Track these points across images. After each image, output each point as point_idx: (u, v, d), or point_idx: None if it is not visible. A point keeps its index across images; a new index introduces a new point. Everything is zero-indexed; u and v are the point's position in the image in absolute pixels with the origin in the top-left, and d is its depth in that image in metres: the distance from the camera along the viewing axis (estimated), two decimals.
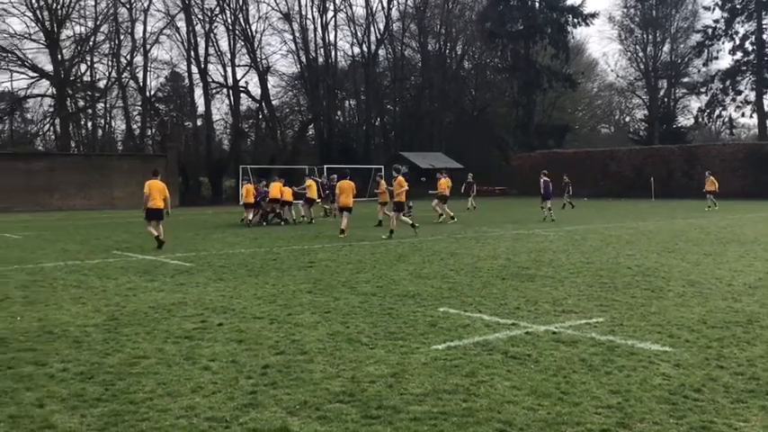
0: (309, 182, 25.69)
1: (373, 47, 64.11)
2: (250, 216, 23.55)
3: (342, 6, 63.71)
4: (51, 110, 57.03)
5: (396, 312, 7.90)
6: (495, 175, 58.17)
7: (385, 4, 63.61)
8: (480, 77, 69.45)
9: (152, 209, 15.96)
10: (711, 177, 31.74)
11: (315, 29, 61.97)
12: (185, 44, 58.51)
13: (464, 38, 68.10)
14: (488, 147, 66.81)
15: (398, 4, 64.68)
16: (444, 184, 24.99)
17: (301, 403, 4.76)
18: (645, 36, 68.07)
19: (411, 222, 18.76)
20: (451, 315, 7.72)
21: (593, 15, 62.38)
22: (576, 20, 62.28)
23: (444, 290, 9.48)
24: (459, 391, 4.99)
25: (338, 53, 64.99)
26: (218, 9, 58.16)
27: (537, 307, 8.14)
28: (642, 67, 69.26)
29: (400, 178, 18.86)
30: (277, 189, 24.00)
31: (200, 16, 58.14)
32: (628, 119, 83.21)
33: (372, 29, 63.87)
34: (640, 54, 69.24)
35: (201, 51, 58.36)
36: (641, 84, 70.84)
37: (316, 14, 62.89)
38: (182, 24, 58.21)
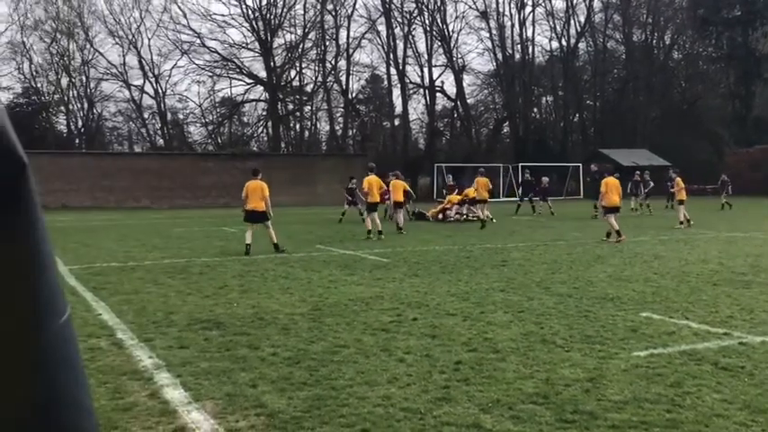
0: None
1: (573, 40, 62.31)
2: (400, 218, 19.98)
3: (540, 1, 62.41)
4: (264, 113, 61.70)
5: (593, 315, 7.62)
6: (707, 172, 54.00)
7: None
8: (691, 68, 64.76)
9: (249, 211, 14.79)
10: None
11: (512, 25, 61.49)
12: (385, 47, 60.69)
13: (673, 26, 63.92)
14: (699, 142, 62.16)
15: None
16: (482, 184, 22.48)
17: (494, 401, 4.75)
18: None
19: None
20: (655, 321, 7.30)
21: None
22: None
23: (647, 294, 8.99)
24: (663, 401, 4.71)
25: (536, 49, 63.93)
26: (416, 11, 59.60)
27: (753, 316, 7.45)
28: None
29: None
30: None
31: (399, 19, 59.98)
32: None
33: (572, 22, 62.11)
34: None
35: (400, 53, 60.19)
36: None
37: (513, 11, 62.29)
38: (382, 28, 60.44)
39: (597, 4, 62.65)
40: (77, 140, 57.16)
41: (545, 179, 31.92)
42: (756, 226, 20.82)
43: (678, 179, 23.11)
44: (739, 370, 5.40)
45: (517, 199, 32.67)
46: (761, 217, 25.17)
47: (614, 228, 16.30)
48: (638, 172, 32.38)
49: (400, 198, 19.53)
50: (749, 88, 58.01)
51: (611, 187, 17.09)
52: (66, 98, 56.40)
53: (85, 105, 57.59)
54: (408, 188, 19.89)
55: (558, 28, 62.44)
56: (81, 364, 0.76)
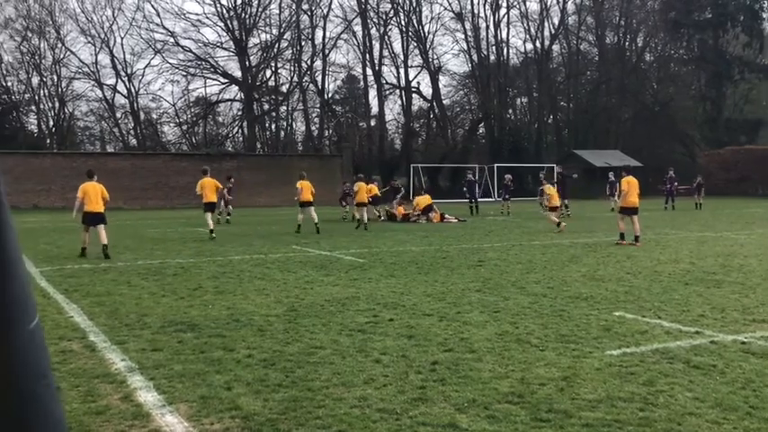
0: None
1: (547, 42, 62.85)
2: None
3: (515, 3, 62.85)
4: (240, 113, 61.33)
5: (567, 314, 7.68)
6: (679, 173, 54.80)
7: None
8: (663, 70, 65.60)
9: (89, 213, 14.38)
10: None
11: (487, 27, 61.80)
12: (361, 47, 60.69)
13: (645, 29, 64.74)
14: (671, 143, 62.97)
15: None
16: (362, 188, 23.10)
17: (470, 401, 4.77)
18: None
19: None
20: (628, 320, 7.38)
21: None
22: None
23: (620, 293, 9.08)
24: (636, 399, 4.77)
25: (510, 50, 64.40)
26: (392, 12, 59.70)
27: (724, 315, 7.57)
28: None
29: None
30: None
31: (375, 20, 60.02)
32: None
33: (546, 24, 62.67)
34: None
35: (376, 54, 60.26)
36: None
37: (488, 12, 62.66)
38: (358, 29, 60.46)
39: (571, 7, 63.39)
40: (48, 140, 56.32)
41: (507, 176, 31.89)
42: (727, 226, 21.15)
43: (548, 186, 21.91)
44: (711, 368, 5.47)
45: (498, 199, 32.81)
46: (731, 217, 25.58)
47: (636, 231, 15.48)
48: (611, 173, 32.59)
49: (308, 198, 20.89)
50: (720, 90, 58.90)
51: (632, 187, 15.94)
52: (36, 97, 55.60)
53: (57, 105, 56.77)
54: (313, 190, 21.33)
55: (533, 30, 63.01)
56: (51, 371, 0.75)
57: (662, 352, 6.00)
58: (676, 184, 33.18)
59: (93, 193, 14.48)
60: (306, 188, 21.01)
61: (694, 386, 5.03)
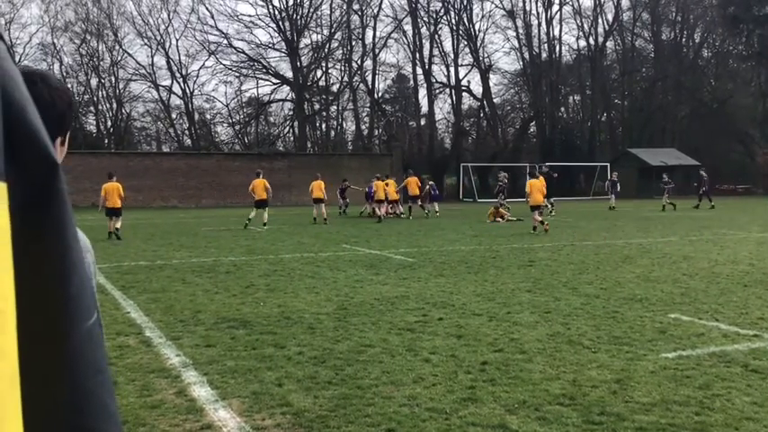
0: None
1: (600, 39, 61.74)
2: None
3: None
4: (291, 113, 61.99)
5: (621, 316, 7.55)
6: (737, 172, 53.29)
7: None
8: (721, 67, 63.75)
9: (110, 208, 18.54)
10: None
11: (539, 24, 61.13)
12: (411, 47, 60.68)
13: (703, 24, 63.04)
14: (729, 142, 61.19)
15: None
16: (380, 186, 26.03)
17: (520, 402, 4.73)
18: None
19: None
20: (684, 322, 7.21)
21: None
22: None
23: (676, 295, 8.88)
24: (691, 403, 4.66)
25: (562, 47, 63.50)
26: (442, 11, 59.54)
27: None
28: None
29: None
30: None
31: (425, 19, 59.92)
32: None
33: (600, 20, 61.63)
34: None
35: (426, 53, 60.17)
36: None
37: (540, 9, 61.90)
38: (408, 28, 60.45)
39: (625, 3, 62.11)
40: (107, 140, 57.85)
41: (502, 174, 31.02)
42: None
43: (411, 179, 27.29)
44: None
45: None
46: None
47: (537, 220, 18.78)
48: (615, 173, 34.35)
49: (319, 195, 24.84)
50: None
51: (533, 188, 19.04)
52: (95, 98, 57.17)
53: (114, 106, 58.29)
54: (323, 188, 25.20)
55: (586, 26, 62.05)
56: (108, 367, 0.77)
57: (719, 355, 5.85)
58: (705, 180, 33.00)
59: (111, 191, 18.52)
60: (316, 187, 24.96)
61: (752, 390, 4.90)
